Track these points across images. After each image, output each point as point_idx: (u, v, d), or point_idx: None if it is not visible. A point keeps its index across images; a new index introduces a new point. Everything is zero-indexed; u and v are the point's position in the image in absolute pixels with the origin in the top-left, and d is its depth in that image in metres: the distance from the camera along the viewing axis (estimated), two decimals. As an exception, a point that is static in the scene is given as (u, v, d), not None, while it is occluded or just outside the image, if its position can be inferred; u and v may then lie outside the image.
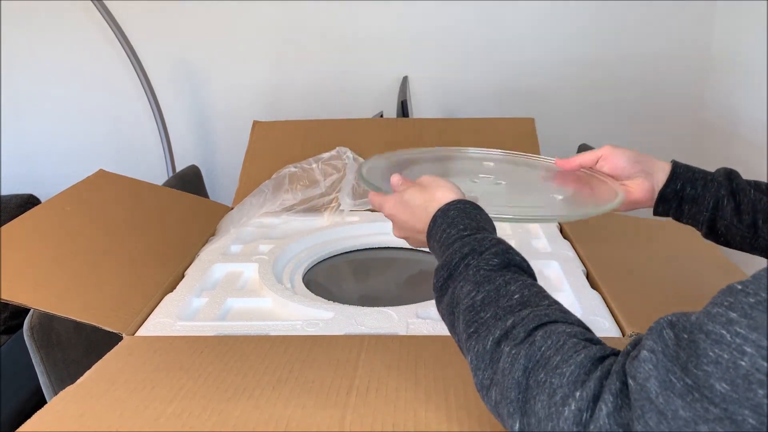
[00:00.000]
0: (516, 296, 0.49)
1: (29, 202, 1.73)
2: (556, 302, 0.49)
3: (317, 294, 0.87)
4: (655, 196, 0.74)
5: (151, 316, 0.80)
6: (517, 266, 0.53)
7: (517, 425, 0.42)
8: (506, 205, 0.71)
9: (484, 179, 0.82)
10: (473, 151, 0.89)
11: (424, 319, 0.76)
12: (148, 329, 0.77)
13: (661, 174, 0.74)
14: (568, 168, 0.79)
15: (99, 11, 1.59)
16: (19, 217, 0.92)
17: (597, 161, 0.76)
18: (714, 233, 0.73)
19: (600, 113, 1.76)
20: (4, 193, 1.82)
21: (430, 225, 0.60)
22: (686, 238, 1.06)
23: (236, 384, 0.62)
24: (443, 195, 0.61)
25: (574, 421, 0.38)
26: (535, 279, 0.53)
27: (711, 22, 1.66)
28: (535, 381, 0.42)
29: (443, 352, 0.67)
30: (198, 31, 1.76)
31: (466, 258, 0.53)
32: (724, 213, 0.71)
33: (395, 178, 0.68)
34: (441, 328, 0.74)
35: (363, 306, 0.80)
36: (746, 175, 0.75)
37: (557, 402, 0.40)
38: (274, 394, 0.60)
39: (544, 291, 0.50)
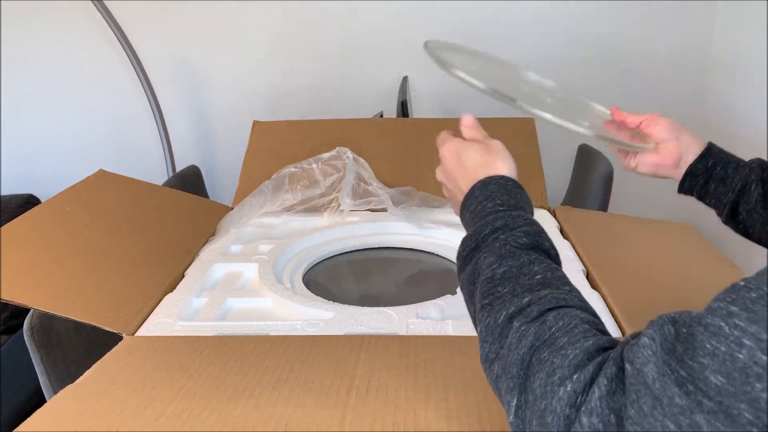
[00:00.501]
0: (538, 276, 0.48)
1: (29, 202, 1.73)
2: (577, 290, 0.48)
3: (317, 294, 0.87)
4: (682, 168, 0.75)
5: (151, 316, 0.80)
6: (545, 251, 0.52)
7: (515, 401, 0.42)
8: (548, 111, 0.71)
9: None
10: (533, 76, 0.89)
11: (424, 319, 0.76)
12: (148, 329, 0.77)
13: (695, 148, 0.75)
14: (617, 118, 0.80)
15: (99, 11, 1.59)
16: (19, 217, 0.92)
17: (641, 123, 0.78)
18: (734, 218, 0.74)
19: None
20: (4, 193, 1.82)
21: (467, 194, 0.59)
22: (687, 238, 1.06)
23: (236, 384, 0.62)
24: (500, 166, 0.60)
25: (568, 402, 0.38)
26: (560, 266, 0.52)
27: (711, 22, 1.66)
28: (538, 359, 0.42)
29: (443, 352, 0.67)
30: (198, 31, 1.76)
31: (496, 231, 0.52)
32: (749, 198, 0.72)
33: (468, 120, 0.67)
34: (441, 328, 0.74)
35: (363, 306, 0.80)
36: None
37: (554, 381, 0.39)
38: (274, 394, 0.60)
39: (567, 278, 0.49)
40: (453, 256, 0.99)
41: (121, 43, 1.62)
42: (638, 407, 0.35)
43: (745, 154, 0.79)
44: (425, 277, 1.02)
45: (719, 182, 0.74)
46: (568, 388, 0.38)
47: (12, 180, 1.90)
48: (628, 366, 0.37)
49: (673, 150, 0.75)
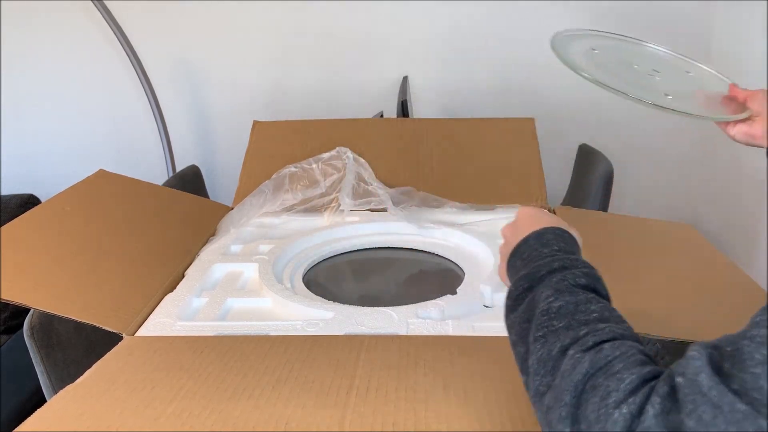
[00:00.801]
0: (595, 314, 0.46)
1: (29, 202, 1.73)
2: (635, 334, 0.46)
3: (317, 294, 0.87)
4: None
5: (151, 316, 0.80)
6: (603, 296, 0.50)
7: (567, 430, 0.40)
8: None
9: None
10: (652, 47, 0.94)
11: (424, 319, 0.76)
12: (148, 329, 0.77)
13: None
14: (734, 94, 0.83)
15: (99, 11, 1.59)
16: (19, 217, 0.92)
17: (747, 97, 0.82)
18: None
19: (600, 113, 1.76)
20: (4, 193, 1.82)
21: (520, 242, 0.58)
22: (687, 238, 1.06)
23: (236, 384, 0.62)
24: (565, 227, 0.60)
25: (624, 425, 0.37)
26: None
27: (711, 22, 1.66)
28: (592, 385, 0.40)
29: (443, 352, 0.67)
30: (198, 31, 1.76)
31: (553, 272, 0.51)
32: None
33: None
34: (441, 328, 0.74)
35: (363, 306, 0.80)
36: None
37: (609, 405, 0.38)
38: (274, 394, 0.60)
39: (624, 319, 0.48)
40: (453, 256, 1.00)
41: (121, 43, 1.62)
42: (697, 417, 0.34)
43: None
44: (425, 277, 1.02)
45: None
46: (624, 411, 0.37)
47: (12, 180, 1.90)
48: (679, 379, 0.36)
49: (760, 122, 0.78)
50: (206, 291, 0.88)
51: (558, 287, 0.49)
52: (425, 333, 0.73)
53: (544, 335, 0.46)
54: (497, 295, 0.82)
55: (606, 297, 0.51)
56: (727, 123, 0.82)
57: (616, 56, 0.89)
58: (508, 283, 0.57)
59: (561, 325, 0.46)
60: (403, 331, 0.74)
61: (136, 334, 0.76)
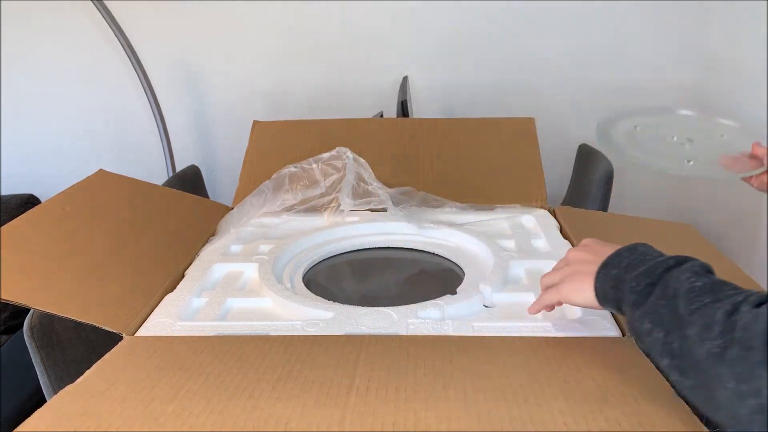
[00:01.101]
0: (736, 288, 0.50)
1: (29, 202, 1.74)
2: None
3: (317, 294, 0.87)
4: None
5: (151, 316, 0.80)
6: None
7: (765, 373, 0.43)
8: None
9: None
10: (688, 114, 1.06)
11: (423, 319, 0.76)
12: (148, 329, 0.77)
13: None
14: (756, 153, 0.89)
15: (99, 11, 1.59)
16: (19, 217, 0.92)
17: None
18: None
19: (600, 113, 1.75)
20: (4, 193, 1.82)
21: (611, 256, 0.61)
22: (687, 238, 1.06)
23: (236, 384, 0.62)
24: None
25: None
26: None
27: (710, 22, 1.66)
28: None
29: (443, 352, 0.67)
30: (198, 31, 1.76)
31: (672, 267, 0.55)
32: None
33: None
34: (441, 329, 0.74)
35: (363, 306, 0.80)
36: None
37: None
38: (274, 393, 0.60)
39: None
40: (453, 256, 1.00)
41: (121, 43, 1.62)
42: None
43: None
44: (425, 277, 1.02)
45: None
46: None
47: (12, 180, 1.90)
48: None
49: None
50: (206, 291, 0.88)
51: (694, 271, 0.53)
52: (425, 333, 0.73)
53: (698, 308, 0.49)
54: (497, 295, 0.82)
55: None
56: (750, 177, 0.89)
57: (655, 131, 1.01)
58: (579, 302, 0.64)
59: (710, 299, 0.49)
60: (403, 331, 0.74)
61: (136, 334, 0.76)
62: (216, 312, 0.81)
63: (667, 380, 0.55)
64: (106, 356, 0.70)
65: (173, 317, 0.79)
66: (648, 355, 0.60)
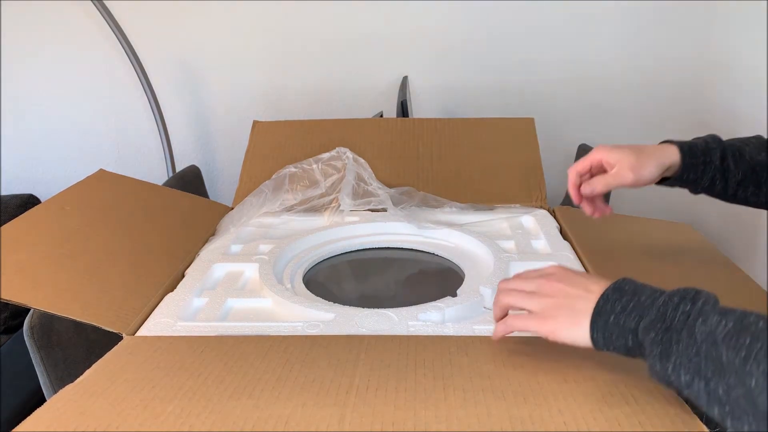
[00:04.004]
0: (760, 316, 0.47)
1: (29, 202, 1.73)
2: None
3: (317, 294, 0.87)
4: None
5: (151, 316, 0.80)
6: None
7: None
8: None
9: None
10: None
11: (424, 321, 0.76)
12: (148, 329, 0.77)
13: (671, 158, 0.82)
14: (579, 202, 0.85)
15: (99, 11, 1.59)
16: (19, 217, 0.92)
17: (591, 168, 0.83)
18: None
19: (600, 113, 1.76)
20: (4, 193, 1.82)
21: (599, 303, 0.57)
22: (687, 238, 1.06)
23: (236, 384, 0.62)
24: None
25: None
26: None
27: (711, 22, 1.66)
28: None
29: (443, 352, 0.67)
30: (198, 31, 1.76)
31: (679, 306, 0.51)
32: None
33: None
34: (441, 330, 0.74)
35: (363, 307, 0.80)
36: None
37: None
38: (274, 393, 0.60)
39: None
40: (453, 256, 1.00)
41: (121, 43, 1.62)
42: None
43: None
44: (425, 278, 1.02)
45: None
46: None
47: (12, 180, 1.90)
48: None
49: (621, 168, 0.81)
50: (206, 291, 0.88)
51: (715, 309, 0.50)
52: (425, 334, 0.73)
53: (747, 354, 0.46)
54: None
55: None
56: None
57: None
58: (568, 341, 0.59)
59: (750, 338, 0.46)
60: (403, 333, 0.74)
61: (137, 334, 0.76)
62: (216, 312, 0.81)
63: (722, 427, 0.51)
64: (106, 356, 0.70)
65: (173, 317, 0.79)
66: (689, 402, 0.55)
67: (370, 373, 0.63)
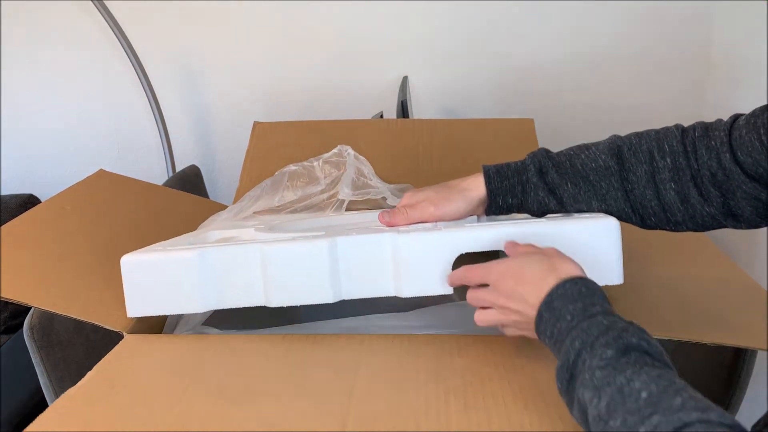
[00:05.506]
0: (643, 395, 0.45)
1: (29, 202, 1.73)
2: (691, 396, 0.44)
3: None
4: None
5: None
6: (635, 349, 0.49)
7: None
8: None
9: None
10: None
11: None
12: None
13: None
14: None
15: (99, 11, 1.59)
16: (19, 216, 0.92)
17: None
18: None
19: (600, 113, 1.75)
20: (4, 193, 1.82)
21: (536, 321, 0.57)
22: (687, 239, 1.06)
23: (236, 384, 0.62)
24: (565, 267, 0.58)
25: None
26: (661, 357, 0.50)
27: (710, 21, 1.66)
28: None
29: (444, 353, 0.67)
30: (198, 31, 1.76)
31: (580, 355, 0.51)
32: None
33: (508, 243, 0.65)
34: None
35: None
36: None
37: None
38: (274, 394, 0.60)
39: (674, 380, 0.46)
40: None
41: (121, 43, 1.62)
42: None
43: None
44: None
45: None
46: None
47: (12, 180, 1.90)
48: None
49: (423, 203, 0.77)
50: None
51: (593, 383, 0.48)
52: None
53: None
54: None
55: (637, 345, 0.50)
56: None
57: None
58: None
59: (618, 423, 0.45)
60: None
61: (137, 334, 0.76)
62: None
63: None
64: (107, 356, 0.69)
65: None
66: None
67: (371, 375, 0.63)
